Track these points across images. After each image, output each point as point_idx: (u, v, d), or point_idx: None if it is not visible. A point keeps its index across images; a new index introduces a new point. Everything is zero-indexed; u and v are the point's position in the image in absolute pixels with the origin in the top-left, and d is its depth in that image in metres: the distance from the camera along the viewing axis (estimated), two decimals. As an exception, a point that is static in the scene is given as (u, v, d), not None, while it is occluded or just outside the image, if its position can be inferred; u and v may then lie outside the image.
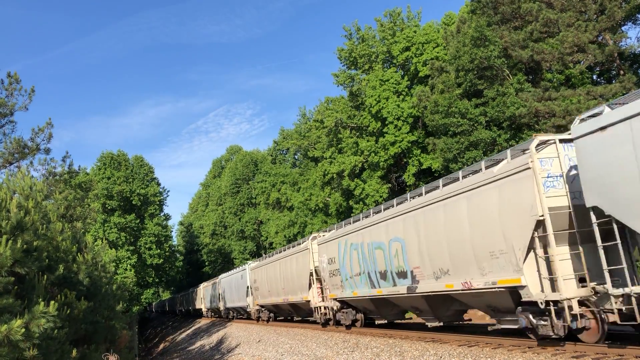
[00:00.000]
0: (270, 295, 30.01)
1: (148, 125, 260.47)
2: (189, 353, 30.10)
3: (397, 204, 15.63)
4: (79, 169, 24.52)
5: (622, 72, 24.45)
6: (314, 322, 25.17)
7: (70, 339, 9.87)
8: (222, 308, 44.55)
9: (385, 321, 19.64)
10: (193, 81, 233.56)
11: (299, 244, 25.71)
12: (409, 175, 33.98)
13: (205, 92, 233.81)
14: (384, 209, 16.45)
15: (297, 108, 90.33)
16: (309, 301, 23.49)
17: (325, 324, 22.81)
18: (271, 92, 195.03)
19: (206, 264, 74.97)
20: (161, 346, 43.07)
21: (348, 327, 20.54)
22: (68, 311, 9.79)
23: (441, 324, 14.86)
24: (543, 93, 24.26)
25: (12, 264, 7.72)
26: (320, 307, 22.60)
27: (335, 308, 21.01)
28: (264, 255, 35.70)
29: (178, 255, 67.89)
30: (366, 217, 17.88)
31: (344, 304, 20.31)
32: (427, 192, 14.14)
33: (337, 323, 21.56)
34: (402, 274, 14.89)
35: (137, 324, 47.69)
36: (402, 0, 51.52)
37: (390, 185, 35.84)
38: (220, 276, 46.20)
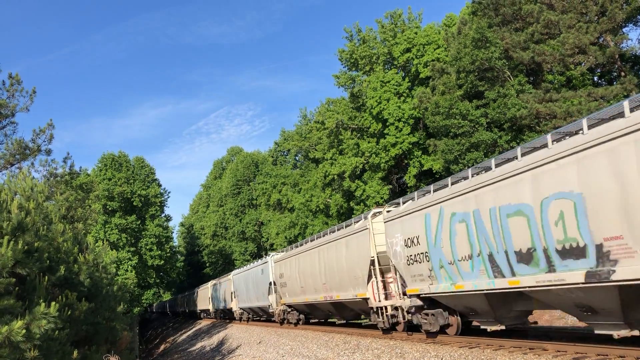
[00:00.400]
0: (303, 293, 24.25)
1: (149, 127, 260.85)
2: (189, 354, 30.10)
3: (554, 141, 9.81)
4: (80, 170, 24.62)
5: (623, 73, 24.47)
6: (370, 327, 20.78)
7: (71, 340, 9.89)
8: (234, 309, 40.02)
9: (503, 327, 12.67)
10: (194, 82, 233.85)
11: (349, 225, 19.74)
12: (409, 177, 34.00)
13: (206, 94, 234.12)
14: (522, 154, 10.58)
15: (298, 109, 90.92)
16: (366, 299, 17.83)
17: (390, 329, 17.34)
18: (272, 94, 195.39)
19: (207, 265, 75.06)
20: (162, 347, 43.08)
21: (432, 334, 14.69)
22: (69, 312, 9.81)
23: (635, 332, 9.07)
24: (544, 94, 24.28)
25: (14, 264, 7.75)
26: (385, 307, 16.96)
27: (406, 308, 15.65)
28: (264, 256, 35.06)
29: (179, 256, 67.94)
30: (480, 172, 12.13)
31: (427, 302, 14.65)
32: (633, 110, 8.46)
33: (411, 328, 16.41)
34: (573, 251, 9.50)
35: (137, 325, 47.69)
36: (403, 1, 51.73)
37: (391, 186, 35.88)
38: (232, 272, 42.02)
